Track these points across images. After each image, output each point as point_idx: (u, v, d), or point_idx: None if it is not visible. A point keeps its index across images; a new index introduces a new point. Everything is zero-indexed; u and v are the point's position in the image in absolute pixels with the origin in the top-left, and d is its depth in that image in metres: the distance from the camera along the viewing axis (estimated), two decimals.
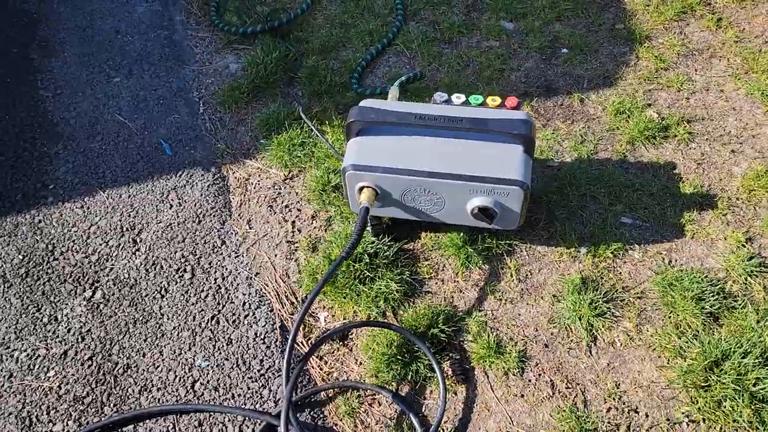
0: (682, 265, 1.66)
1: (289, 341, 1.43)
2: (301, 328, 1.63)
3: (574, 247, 1.71)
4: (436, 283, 1.69)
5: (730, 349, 1.45)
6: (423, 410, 1.48)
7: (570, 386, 1.48)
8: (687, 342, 1.50)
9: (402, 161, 1.55)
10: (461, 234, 1.73)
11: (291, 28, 2.39)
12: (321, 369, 1.57)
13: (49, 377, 1.57)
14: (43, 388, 1.55)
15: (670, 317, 1.56)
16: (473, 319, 1.61)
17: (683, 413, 1.42)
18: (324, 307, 1.67)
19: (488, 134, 1.55)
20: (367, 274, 1.66)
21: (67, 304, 1.70)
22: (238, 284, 1.72)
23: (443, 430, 1.44)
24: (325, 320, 1.65)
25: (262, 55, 2.24)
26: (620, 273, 1.66)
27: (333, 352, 1.59)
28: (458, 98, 1.68)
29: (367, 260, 1.67)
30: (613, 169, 1.87)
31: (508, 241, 1.73)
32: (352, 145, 1.60)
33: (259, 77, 2.20)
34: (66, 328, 1.65)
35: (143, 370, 1.58)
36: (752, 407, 1.37)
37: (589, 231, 1.74)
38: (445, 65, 2.21)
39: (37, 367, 1.59)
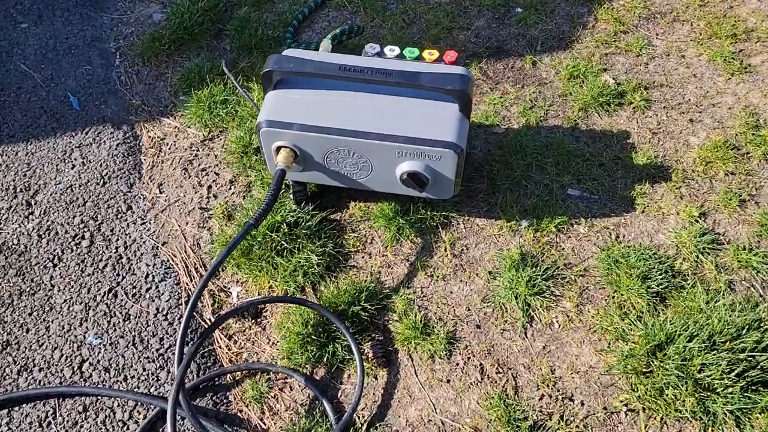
0: (629, 241, 1.55)
1: (185, 316, 1.28)
2: (209, 304, 1.48)
3: (515, 220, 1.58)
4: (363, 257, 1.55)
5: (676, 332, 1.34)
6: (338, 396, 1.35)
7: (501, 371, 1.36)
8: (630, 324, 1.39)
9: (323, 118, 1.40)
10: (393, 204, 1.58)
11: None
12: (229, 349, 1.42)
13: None
14: None
15: (613, 297, 1.44)
16: (400, 296, 1.47)
17: (621, 401, 1.31)
18: (238, 281, 1.52)
19: (420, 90, 1.40)
20: (286, 245, 1.51)
21: None
22: (141, 254, 1.56)
23: (359, 417, 1.31)
24: (238, 295, 1.50)
25: (188, 3, 2.05)
26: (563, 249, 1.54)
27: (244, 331, 1.45)
28: (391, 51, 1.52)
29: (286, 230, 1.52)
30: (562, 137, 1.74)
31: (443, 213, 1.59)
32: (269, 99, 1.44)
33: (182, 28, 2.01)
34: None
35: (25, 347, 1.41)
36: (696, 396, 1.26)
37: (533, 203, 1.61)
38: (389, 21, 2.05)
39: None
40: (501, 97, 1.85)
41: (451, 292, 1.49)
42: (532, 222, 1.57)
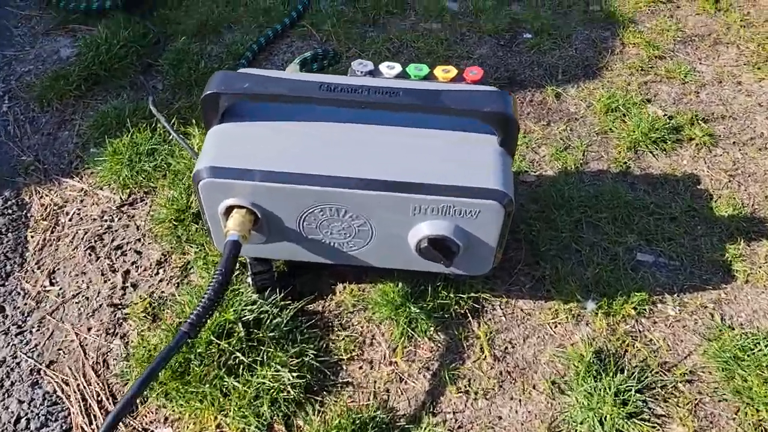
0: (742, 324, 1.09)
1: None
2: None
3: (576, 301, 1.11)
4: (361, 368, 1.04)
5: None
6: None
7: None
8: None
9: (298, 162, 0.92)
10: (400, 285, 1.10)
11: (155, 3, 1.74)
12: None
13: None
14: None
15: (745, 414, 0.97)
16: (423, 429, 0.96)
17: None
18: (167, 420, 0.98)
19: (442, 116, 0.95)
20: (242, 358, 0.99)
21: None
22: (13, 383, 1.01)
23: None
24: None
25: (106, 33, 1.58)
26: (651, 341, 1.07)
27: None
28: (390, 68, 1.07)
29: (243, 334, 1.00)
30: (614, 184, 1.31)
31: (472, 294, 1.11)
32: (213, 136, 0.96)
33: (98, 62, 1.52)
34: None
35: None
36: None
37: (594, 275, 1.15)
38: (370, 50, 1.62)
39: None
40: (524, 137, 1.41)
41: (500, 418, 0.98)
42: (600, 303, 1.10)
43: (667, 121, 1.44)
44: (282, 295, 1.07)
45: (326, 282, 1.13)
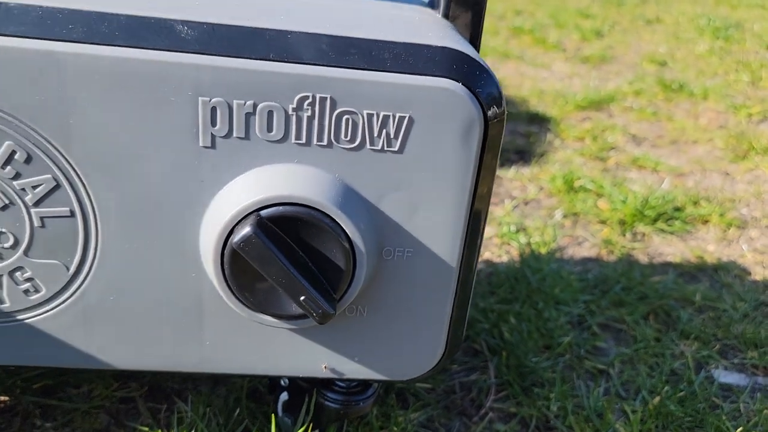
0: None
1: None
2: None
3: None
4: None
5: None
6: None
7: None
8: None
9: None
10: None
11: None
12: None
13: None
14: None
15: None
16: None
17: None
18: None
19: None
20: None
21: None
22: None
23: None
24: None
25: None
26: None
27: None
28: None
29: None
30: (622, 268, 0.76)
31: None
32: None
33: None
34: None
35: None
36: None
37: (653, 409, 0.52)
38: None
39: None
40: None
41: None
42: None
43: (662, 198, 0.96)
44: None
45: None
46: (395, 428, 0.47)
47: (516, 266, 0.74)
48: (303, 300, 0.31)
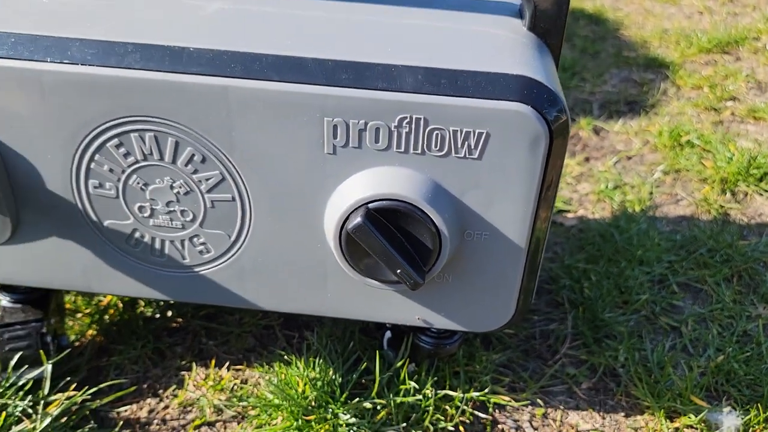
0: None
1: None
2: None
3: (687, 413, 0.54)
4: None
5: None
6: None
7: None
8: None
9: (73, 24, 0.42)
10: (316, 363, 0.53)
11: None
12: None
13: None
14: None
15: None
16: None
17: None
18: None
19: None
20: None
21: None
22: None
23: None
24: None
25: None
26: None
27: None
28: None
29: None
30: (712, 230, 0.80)
31: (472, 395, 0.54)
32: None
33: None
34: None
35: None
36: None
37: (716, 366, 0.59)
38: None
39: None
40: None
41: None
42: (742, 414, 0.53)
43: None
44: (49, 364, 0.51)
45: (161, 352, 0.57)
46: (477, 366, 0.58)
47: (606, 225, 0.81)
48: (399, 272, 0.42)
